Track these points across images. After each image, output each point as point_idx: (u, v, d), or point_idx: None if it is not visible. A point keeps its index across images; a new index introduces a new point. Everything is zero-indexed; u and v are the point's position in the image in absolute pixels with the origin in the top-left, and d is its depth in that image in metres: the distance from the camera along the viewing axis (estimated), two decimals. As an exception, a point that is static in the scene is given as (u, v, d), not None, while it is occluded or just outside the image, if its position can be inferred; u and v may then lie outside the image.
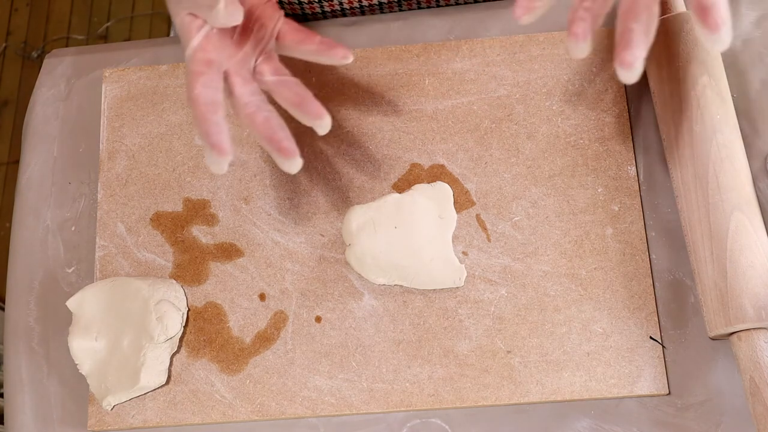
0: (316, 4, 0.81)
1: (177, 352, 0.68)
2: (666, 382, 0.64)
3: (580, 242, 0.68)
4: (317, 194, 0.72)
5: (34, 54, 1.97)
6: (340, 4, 0.81)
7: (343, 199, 0.71)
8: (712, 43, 0.49)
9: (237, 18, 0.58)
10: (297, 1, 0.81)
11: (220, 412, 0.67)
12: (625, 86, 0.72)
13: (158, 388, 0.67)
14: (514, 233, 0.69)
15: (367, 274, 0.67)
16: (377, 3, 0.81)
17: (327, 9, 0.82)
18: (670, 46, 0.68)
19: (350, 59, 0.61)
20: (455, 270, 0.67)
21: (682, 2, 0.71)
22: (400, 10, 0.82)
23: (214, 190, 0.73)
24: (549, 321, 0.66)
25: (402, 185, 0.71)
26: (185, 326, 0.69)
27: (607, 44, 0.73)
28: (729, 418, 0.64)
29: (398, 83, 0.74)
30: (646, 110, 0.72)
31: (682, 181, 0.66)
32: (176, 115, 0.75)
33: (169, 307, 0.67)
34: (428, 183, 0.70)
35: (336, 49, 0.62)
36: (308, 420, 0.67)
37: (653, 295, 0.66)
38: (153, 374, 0.66)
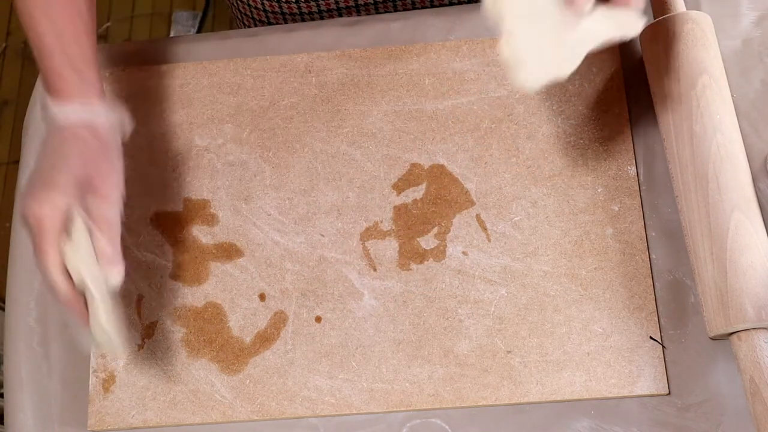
0: (312, 3, 0.81)
1: (176, 352, 0.68)
2: (666, 382, 0.64)
3: (580, 242, 0.68)
4: (317, 194, 0.72)
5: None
6: (336, 3, 0.81)
7: (343, 199, 0.71)
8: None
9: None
10: (294, 0, 0.81)
11: (220, 412, 0.67)
12: (625, 86, 0.72)
13: (158, 388, 0.67)
14: (514, 233, 0.69)
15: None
16: (372, 2, 0.81)
17: (323, 8, 0.82)
18: (670, 46, 0.68)
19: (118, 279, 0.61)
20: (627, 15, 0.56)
21: (682, 2, 0.71)
22: (395, 10, 0.81)
23: (214, 190, 0.73)
24: (549, 321, 0.66)
25: (402, 185, 0.71)
26: (185, 326, 0.69)
27: (607, 44, 0.73)
28: (729, 418, 0.63)
29: (398, 83, 0.74)
30: (646, 110, 0.72)
31: (682, 181, 0.66)
32: (176, 115, 0.75)
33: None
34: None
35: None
36: (308, 420, 0.67)
37: (653, 295, 0.66)
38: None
